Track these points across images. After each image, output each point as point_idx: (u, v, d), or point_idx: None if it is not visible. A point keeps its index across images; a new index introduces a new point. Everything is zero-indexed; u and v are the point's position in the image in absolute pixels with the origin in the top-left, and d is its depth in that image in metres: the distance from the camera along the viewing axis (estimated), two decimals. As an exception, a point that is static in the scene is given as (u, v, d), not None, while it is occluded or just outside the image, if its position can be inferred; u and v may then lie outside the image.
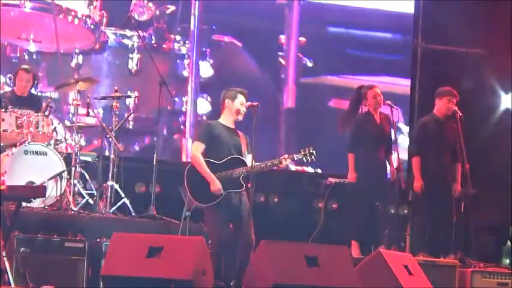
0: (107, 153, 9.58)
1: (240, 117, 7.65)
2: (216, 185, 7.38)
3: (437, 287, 7.70)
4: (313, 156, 7.56)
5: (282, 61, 11.40)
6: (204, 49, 11.18)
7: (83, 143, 9.40)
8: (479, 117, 10.95)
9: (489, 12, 11.15)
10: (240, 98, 7.62)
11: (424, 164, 9.00)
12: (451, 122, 8.99)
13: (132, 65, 10.98)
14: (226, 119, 7.68)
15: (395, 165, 9.02)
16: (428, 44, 11.59)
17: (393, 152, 9.07)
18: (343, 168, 9.20)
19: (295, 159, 7.59)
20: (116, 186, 8.88)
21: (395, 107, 9.08)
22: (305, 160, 7.60)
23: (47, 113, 8.86)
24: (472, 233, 9.44)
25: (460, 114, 9.00)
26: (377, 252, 7.34)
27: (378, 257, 7.17)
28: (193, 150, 7.58)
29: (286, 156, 7.52)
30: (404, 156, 10.49)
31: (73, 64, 10.73)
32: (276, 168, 7.54)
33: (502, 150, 10.78)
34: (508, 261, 9.24)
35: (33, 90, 9.38)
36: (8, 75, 10.20)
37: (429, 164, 8.99)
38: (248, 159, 7.54)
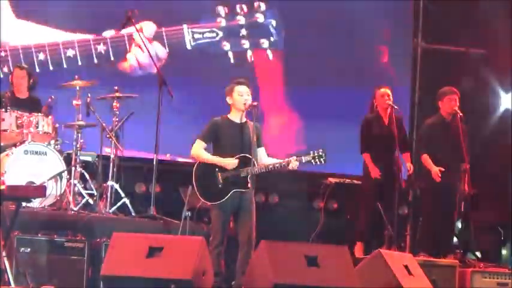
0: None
1: (243, 108, 7.29)
2: (230, 164, 7.23)
3: (437, 287, 7.70)
4: (322, 159, 7.15)
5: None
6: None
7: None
8: (479, 117, 10.95)
9: (489, 12, 11.14)
10: (237, 89, 7.33)
11: None
12: (456, 123, 8.99)
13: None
14: (234, 115, 7.40)
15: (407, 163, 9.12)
16: (428, 44, 11.59)
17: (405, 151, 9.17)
18: (343, 168, 9.19)
19: (304, 161, 7.20)
20: (116, 186, 8.88)
21: (396, 107, 9.11)
22: (313, 163, 7.18)
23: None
24: (472, 233, 9.45)
25: (461, 114, 9.01)
26: (377, 252, 7.34)
27: (378, 257, 7.16)
28: (193, 148, 7.39)
29: (294, 158, 7.22)
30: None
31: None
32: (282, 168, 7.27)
33: (502, 150, 10.77)
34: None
35: (32, 92, 9.33)
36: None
37: (435, 164, 9.00)
38: (260, 152, 7.39)
